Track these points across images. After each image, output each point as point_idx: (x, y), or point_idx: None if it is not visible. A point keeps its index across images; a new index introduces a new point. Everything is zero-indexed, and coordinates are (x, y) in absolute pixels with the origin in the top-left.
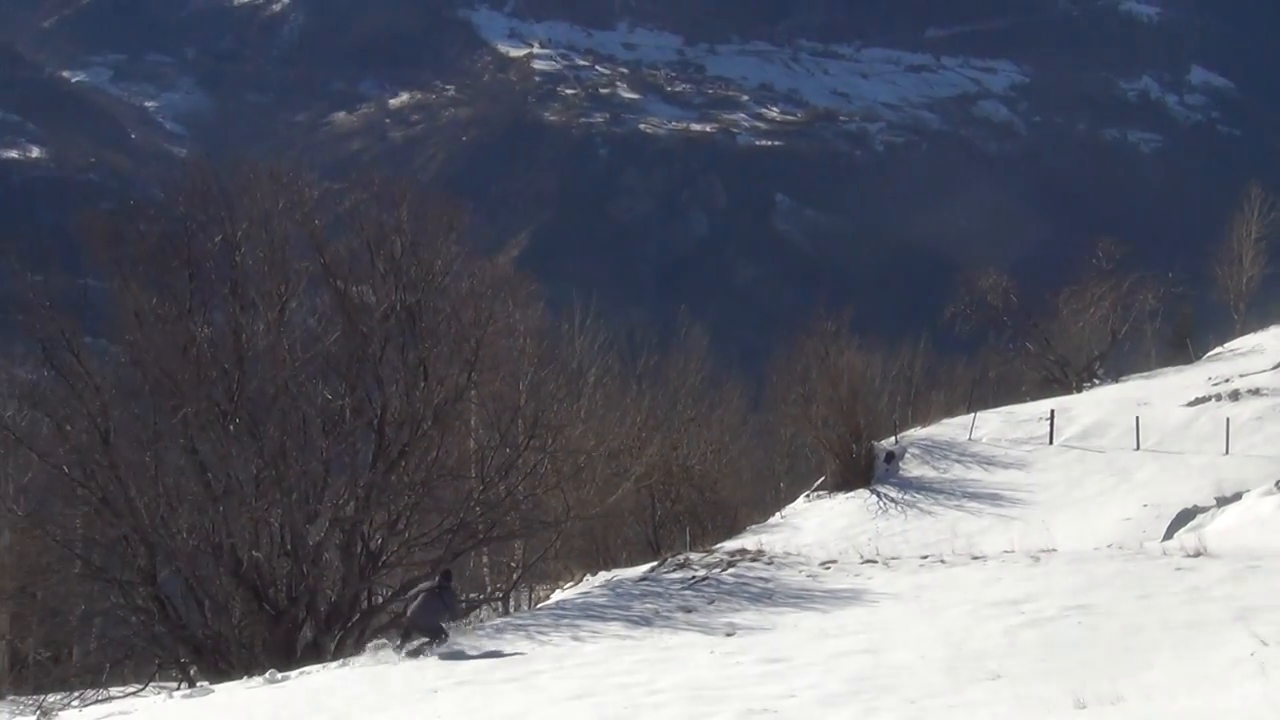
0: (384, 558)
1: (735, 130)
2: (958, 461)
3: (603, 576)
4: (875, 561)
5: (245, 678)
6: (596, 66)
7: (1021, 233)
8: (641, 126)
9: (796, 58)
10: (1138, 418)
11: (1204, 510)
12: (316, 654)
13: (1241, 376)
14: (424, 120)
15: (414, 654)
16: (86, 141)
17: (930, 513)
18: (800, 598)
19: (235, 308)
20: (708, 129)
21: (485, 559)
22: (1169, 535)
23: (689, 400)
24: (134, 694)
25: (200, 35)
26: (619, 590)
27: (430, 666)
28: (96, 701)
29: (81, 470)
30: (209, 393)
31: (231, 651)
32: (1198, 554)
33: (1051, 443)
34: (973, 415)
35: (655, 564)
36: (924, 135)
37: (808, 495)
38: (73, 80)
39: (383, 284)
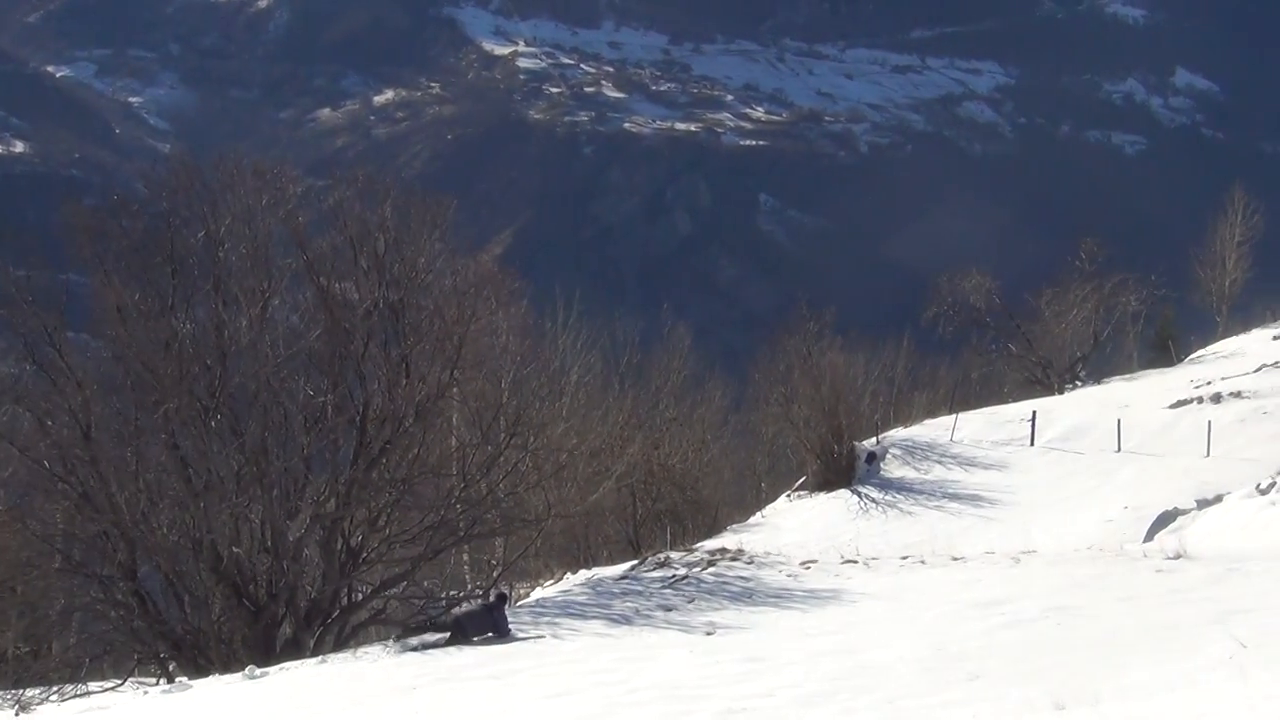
0: (364, 554)
1: (720, 130)
2: (939, 462)
3: (583, 575)
4: (856, 562)
5: (224, 674)
6: (581, 65)
7: (1005, 234)
8: (626, 125)
9: (781, 58)
10: (1119, 420)
11: (1185, 513)
12: (296, 650)
13: (1223, 379)
14: (408, 117)
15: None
16: (70, 137)
17: (911, 513)
18: (780, 597)
19: (218, 304)
20: (692, 128)
21: (466, 556)
22: (1149, 537)
23: (671, 399)
24: (113, 689)
25: (185, 31)
26: (599, 589)
27: (409, 663)
28: (75, 696)
29: (62, 465)
30: (191, 388)
31: (211, 647)
32: (1178, 556)
33: (1033, 444)
34: (955, 416)
35: (636, 562)
36: (909, 136)
37: (789, 495)
38: (57, 75)
39: (366, 281)
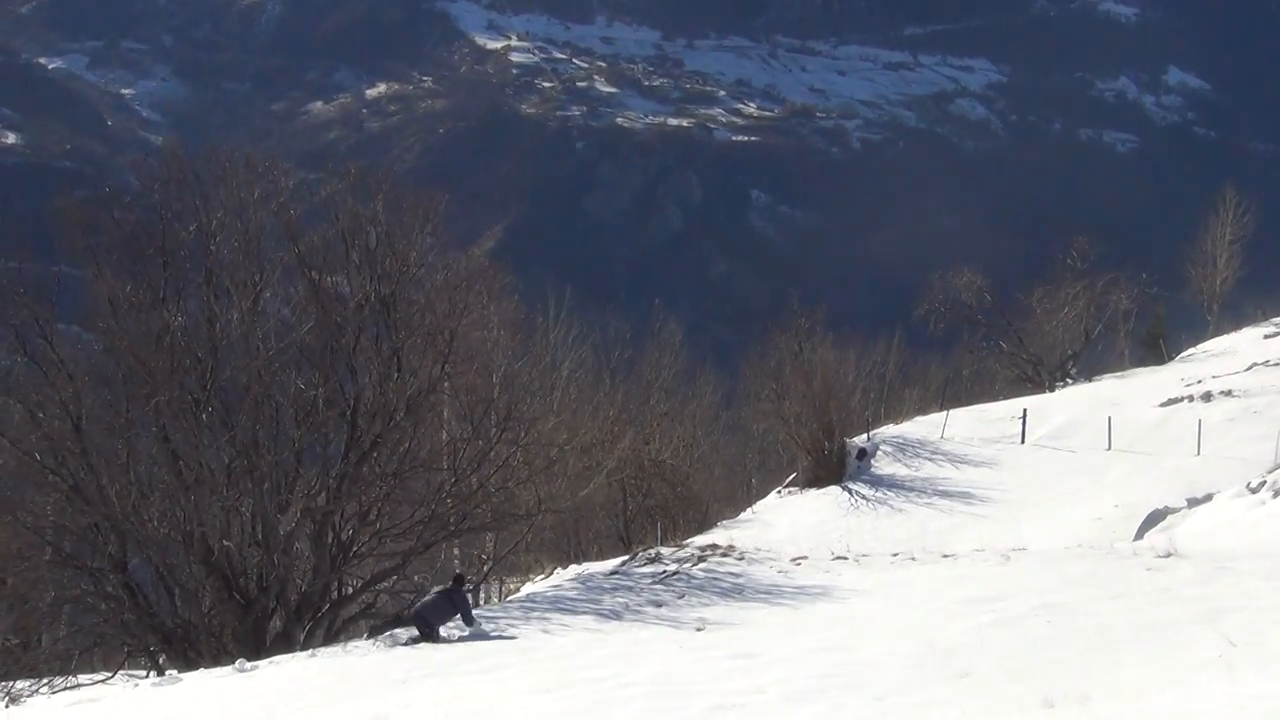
0: (355, 548)
1: (712, 125)
2: (929, 459)
3: (573, 570)
4: (846, 558)
5: (214, 667)
6: (574, 60)
7: (997, 231)
8: (618, 120)
9: (774, 54)
10: (1110, 418)
11: (1175, 511)
12: (286, 644)
13: (1214, 378)
14: (401, 111)
15: (384, 640)
16: (62, 128)
17: (901, 510)
18: (770, 593)
19: (209, 296)
20: (684, 124)
21: (456, 551)
22: (1139, 535)
23: (662, 395)
24: (103, 682)
25: (177, 23)
26: (590, 584)
27: (400, 658)
28: (65, 689)
29: (53, 457)
30: (182, 381)
31: (201, 640)
32: (1168, 554)
33: (1023, 442)
34: (945, 413)
35: (626, 558)
36: (900, 133)
37: (779, 491)
38: (49, 67)
39: (357, 274)
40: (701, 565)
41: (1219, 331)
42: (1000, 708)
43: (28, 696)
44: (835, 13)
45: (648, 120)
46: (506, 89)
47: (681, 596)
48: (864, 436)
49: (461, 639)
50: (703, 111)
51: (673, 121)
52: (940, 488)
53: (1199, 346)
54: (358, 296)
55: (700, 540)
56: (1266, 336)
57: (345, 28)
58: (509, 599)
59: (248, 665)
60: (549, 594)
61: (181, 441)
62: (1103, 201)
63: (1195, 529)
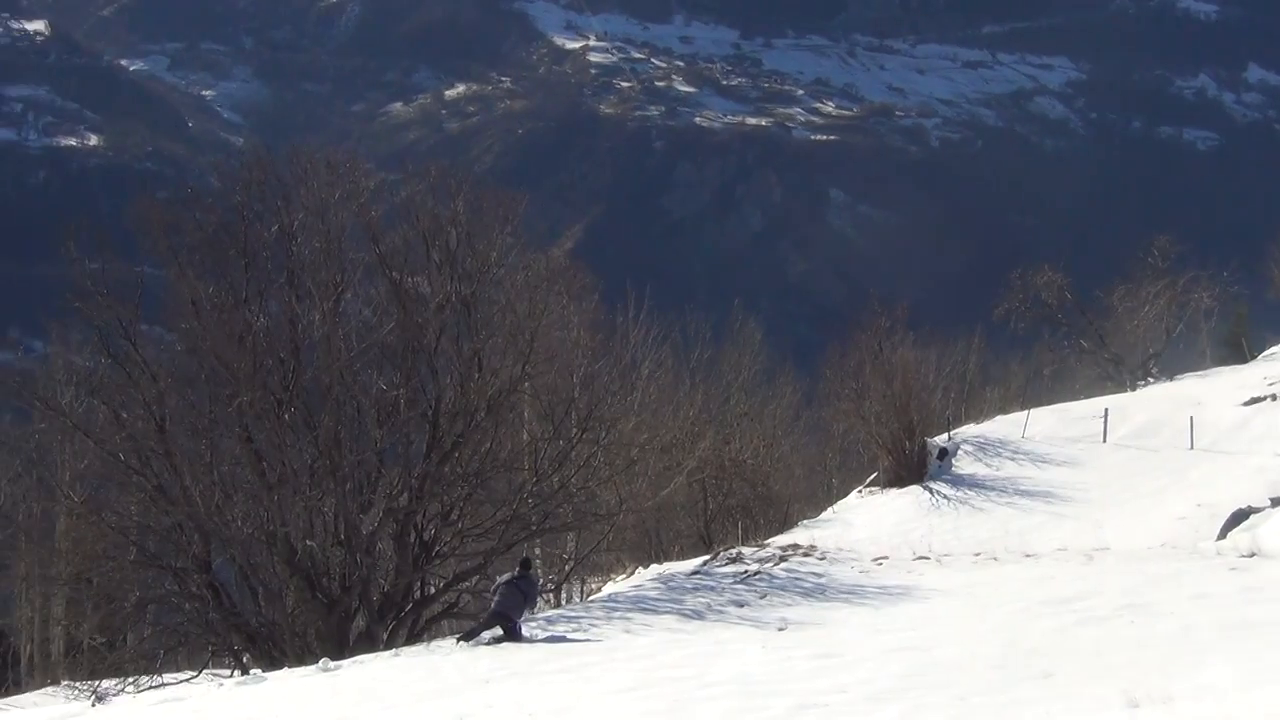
0: (437, 548)
1: (790, 125)
2: (1011, 459)
3: (655, 569)
4: (928, 558)
5: (298, 666)
6: (652, 60)
7: (1076, 230)
8: (697, 120)
9: (852, 52)
10: (1191, 417)
11: (1258, 511)
12: (369, 643)
13: None
14: (480, 112)
15: (473, 643)
16: (144, 130)
17: (983, 510)
18: (852, 593)
19: (291, 297)
20: (763, 123)
21: (538, 551)
22: (1223, 535)
23: (742, 395)
24: (188, 681)
25: (257, 25)
26: (671, 584)
27: (484, 657)
28: (151, 688)
29: (137, 457)
30: (264, 381)
31: (285, 640)
32: (1252, 554)
33: (1105, 441)
34: (1026, 413)
35: (707, 558)
36: (979, 131)
37: (860, 491)
38: (130, 69)
39: (438, 275)
40: (783, 565)
41: None
42: (1084, 708)
43: (114, 695)
44: (913, 11)
45: (726, 120)
46: (585, 89)
47: (763, 596)
48: (945, 436)
49: (545, 640)
50: (781, 110)
51: (751, 121)
52: (1021, 487)
53: None
54: (438, 297)
55: (781, 540)
56: None
57: (424, 28)
58: (591, 599)
59: (331, 665)
60: (631, 594)
61: (264, 441)
62: (1183, 199)
63: (1279, 529)
